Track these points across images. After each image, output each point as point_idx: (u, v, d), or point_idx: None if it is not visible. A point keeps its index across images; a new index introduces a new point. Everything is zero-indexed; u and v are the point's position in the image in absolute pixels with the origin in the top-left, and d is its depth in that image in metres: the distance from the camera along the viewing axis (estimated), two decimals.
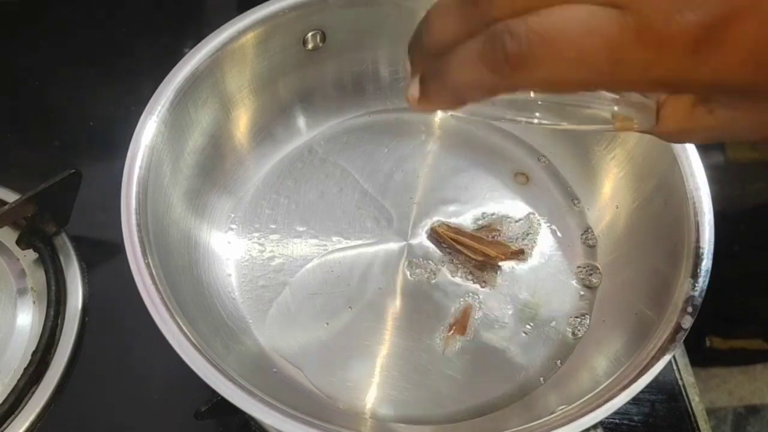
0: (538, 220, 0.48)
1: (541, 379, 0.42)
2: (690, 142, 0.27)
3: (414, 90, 0.26)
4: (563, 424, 0.32)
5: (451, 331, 0.43)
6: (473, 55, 0.22)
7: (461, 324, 0.43)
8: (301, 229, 0.47)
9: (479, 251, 0.45)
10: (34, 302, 0.47)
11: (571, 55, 0.20)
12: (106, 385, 0.45)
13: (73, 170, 0.46)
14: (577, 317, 0.45)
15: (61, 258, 0.48)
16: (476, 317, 0.44)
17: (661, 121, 0.26)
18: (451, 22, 0.23)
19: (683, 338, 0.35)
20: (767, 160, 0.74)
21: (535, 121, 0.26)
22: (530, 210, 0.49)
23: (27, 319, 0.46)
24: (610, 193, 0.47)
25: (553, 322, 0.44)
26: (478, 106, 0.25)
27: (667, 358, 0.34)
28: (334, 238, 0.47)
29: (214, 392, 0.32)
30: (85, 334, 0.46)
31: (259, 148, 0.50)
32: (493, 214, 0.48)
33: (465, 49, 0.22)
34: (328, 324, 0.44)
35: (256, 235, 0.47)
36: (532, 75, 0.21)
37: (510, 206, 0.49)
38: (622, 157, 0.46)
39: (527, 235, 0.48)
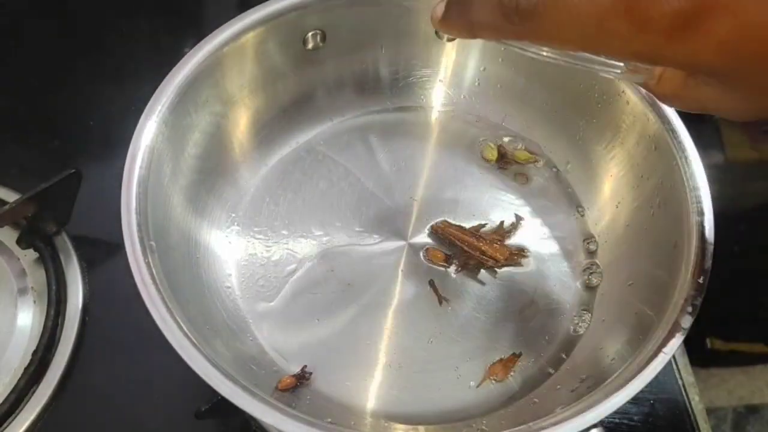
0: (538, 220, 0.48)
1: (550, 369, 0.43)
2: (681, 108, 0.31)
3: (439, 9, 0.29)
4: (563, 424, 0.32)
5: (493, 374, 0.42)
6: (494, 2, 0.25)
7: (504, 369, 0.43)
8: (301, 228, 0.47)
9: (480, 250, 0.45)
10: (34, 302, 0.47)
11: (567, 17, 0.24)
12: (106, 385, 0.45)
13: (73, 170, 0.46)
14: (578, 315, 0.45)
15: (62, 257, 0.49)
16: (477, 315, 0.44)
17: (660, 82, 0.29)
18: None
19: (683, 338, 0.35)
20: (767, 159, 0.74)
21: (544, 53, 0.29)
22: (530, 210, 0.49)
23: (27, 318, 0.46)
24: (610, 192, 0.47)
25: (554, 321, 0.44)
26: None
27: (666, 357, 0.34)
28: (335, 238, 0.47)
29: (214, 392, 0.32)
30: (86, 334, 0.46)
31: (259, 147, 0.50)
32: (493, 214, 0.48)
33: None
34: (328, 323, 0.44)
35: (257, 234, 0.47)
36: (535, 28, 0.25)
37: (510, 206, 0.49)
38: (622, 157, 0.46)
39: (527, 234, 0.48)
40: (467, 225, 0.47)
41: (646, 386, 0.33)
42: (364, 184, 0.49)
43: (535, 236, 0.48)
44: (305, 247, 0.47)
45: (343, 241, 0.47)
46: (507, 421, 0.40)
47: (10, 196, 0.49)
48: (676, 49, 0.23)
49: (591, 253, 0.47)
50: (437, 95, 0.53)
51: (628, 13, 0.23)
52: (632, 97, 0.43)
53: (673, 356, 0.46)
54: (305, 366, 0.42)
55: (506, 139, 0.52)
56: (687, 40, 0.23)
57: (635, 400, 0.44)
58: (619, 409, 0.32)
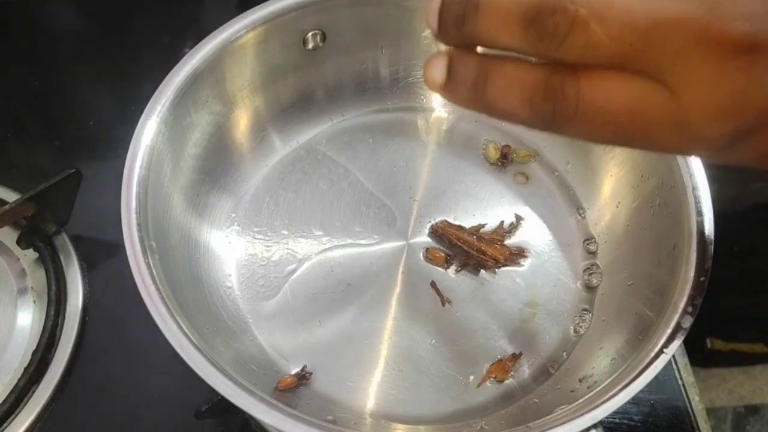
0: (538, 220, 0.48)
1: (551, 369, 0.43)
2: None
3: (439, 72, 0.24)
4: (563, 424, 0.32)
5: (492, 374, 0.42)
6: (524, 91, 0.22)
7: (503, 369, 0.42)
8: (301, 228, 0.47)
9: (480, 250, 0.45)
10: (34, 302, 0.47)
11: (613, 128, 0.22)
12: (106, 385, 0.45)
13: (73, 170, 0.46)
14: (578, 315, 0.45)
15: (62, 257, 0.48)
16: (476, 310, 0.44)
17: None
18: (514, 31, 0.21)
19: (683, 338, 0.35)
20: None
21: None
22: (530, 210, 0.49)
23: (27, 318, 0.46)
24: (610, 192, 0.47)
25: (554, 321, 0.44)
26: None
27: (666, 357, 0.34)
28: (335, 238, 0.47)
29: (214, 392, 0.32)
30: (86, 334, 0.46)
31: (259, 147, 0.50)
32: (493, 214, 0.48)
33: (517, 78, 0.22)
34: (327, 323, 0.44)
35: (257, 234, 0.47)
36: (570, 131, 0.22)
37: (510, 206, 0.49)
38: (622, 157, 0.46)
39: (527, 234, 0.48)
40: (467, 225, 0.47)
41: (646, 386, 0.33)
42: (364, 184, 0.49)
43: (535, 236, 0.48)
44: (305, 246, 0.47)
45: (343, 241, 0.47)
46: (507, 421, 0.40)
47: (10, 196, 0.49)
48: (726, 156, 0.23)
49: (591, 254, 0.47)
50: (437, 95, 0.53)
51: (678, 128, 0.21)
52: None
53: (673, 356, 0.46)
54: (305, 366, 0.42)
55: (506, 140, 0.52)
56: (733, 154, 0.22)
57: (635, 400, 0.44)
58: (619, 409, 0.32)
